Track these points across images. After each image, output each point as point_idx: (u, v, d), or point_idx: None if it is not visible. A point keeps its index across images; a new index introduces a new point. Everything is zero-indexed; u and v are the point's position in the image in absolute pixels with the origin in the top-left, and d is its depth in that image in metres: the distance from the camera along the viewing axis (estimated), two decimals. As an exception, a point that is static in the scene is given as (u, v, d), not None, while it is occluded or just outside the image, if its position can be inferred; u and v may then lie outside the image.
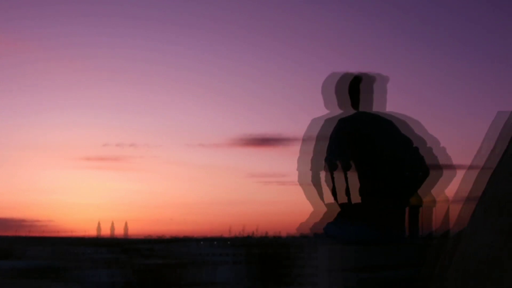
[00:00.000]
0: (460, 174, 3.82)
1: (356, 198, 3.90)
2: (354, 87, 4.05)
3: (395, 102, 4.21)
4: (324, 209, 3.93)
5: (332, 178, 3.85)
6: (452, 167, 3.96)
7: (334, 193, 3.87)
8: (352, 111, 4.05)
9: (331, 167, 3.85)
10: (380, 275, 3.65)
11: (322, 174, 3.91)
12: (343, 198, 3.88)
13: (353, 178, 3.92)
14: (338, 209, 3.89)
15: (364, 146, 3.88)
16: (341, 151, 3.85)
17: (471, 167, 3.44)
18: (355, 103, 4.06)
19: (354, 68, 4.23)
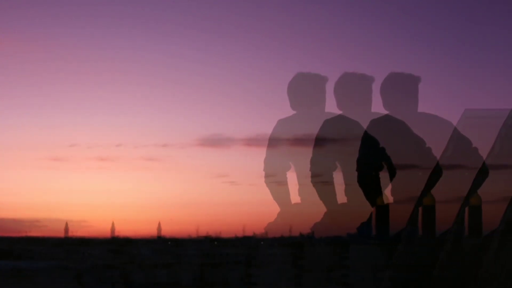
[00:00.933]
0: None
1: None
2: (367, 88, 4.01)
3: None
4: (338, 208, 3.88)
5: (365, 179, 3.78)
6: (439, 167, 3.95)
7: (367, 193, 3.79)
8: (353, 112, 4.01)
9: (364, 168, 3.78)
10: (413, 274, 3.60)
11: (335, 175, 3.85)
12: (373, 199, 3.82)
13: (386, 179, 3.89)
14: (352, 209, 3.86)
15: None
16: (373, 152, 3.79)
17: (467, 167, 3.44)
18: (362, 103, 4.01)
19: (353, 68, 4.20)
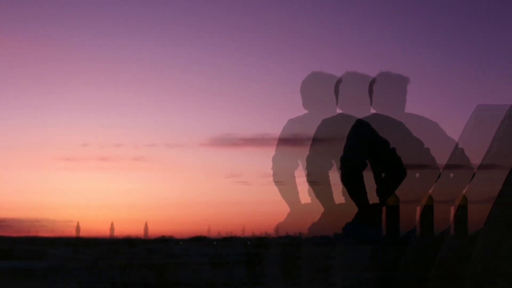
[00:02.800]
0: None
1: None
2: (370, 88, 4.00)
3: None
4: (335, 209, 3.85)
5: (350, 177, 3.75)
6: (436, 167, 3.96)
7: (351, 193, 3.75)
8: (353, 111, 4.02)
9: (347, 167, 3.75)
10: (397, 275, 3.59)
11: (331, 174, 3.83)
12: (362, 198, 3.79)
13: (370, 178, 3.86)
14: (349, 209, 3.85)
15: (374, 147, 3.80)
16: (358, 150, 3.76)
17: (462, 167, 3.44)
18: (362, 103, 4.01)
19: (354, 68, 4.21)
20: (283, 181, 3.84)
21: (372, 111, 4.04)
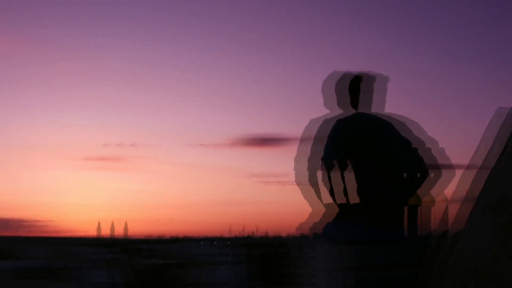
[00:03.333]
0: (459, 174, 3.84)
1: (353, 198, 3.88)
2: (355, 87, 4.03)
3: (395, 103, 4.21)
4: (323, 209, 3.91)
5: (329, 178, 3.82)
6: (451, 167, 3.99)
7: (331, 193, 3.82)
8: (351, 111, 4.04)
9: (327, 167, 3.81)
10: (379, 275, 3.64)
11: (319, 174, 3.88)
12: (341, 198, 3.86)
13: (351, 178, 3.90)
14: (337, 209, 3.88)
15: (361, 146, 3.85)
16: (338, 150, 3.80)
17: (469, 167, 3.45)
18: (354, 102, 4.04)
19: (354, 68, 4.22)
20: (305, 181, 3.85)
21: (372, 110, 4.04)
